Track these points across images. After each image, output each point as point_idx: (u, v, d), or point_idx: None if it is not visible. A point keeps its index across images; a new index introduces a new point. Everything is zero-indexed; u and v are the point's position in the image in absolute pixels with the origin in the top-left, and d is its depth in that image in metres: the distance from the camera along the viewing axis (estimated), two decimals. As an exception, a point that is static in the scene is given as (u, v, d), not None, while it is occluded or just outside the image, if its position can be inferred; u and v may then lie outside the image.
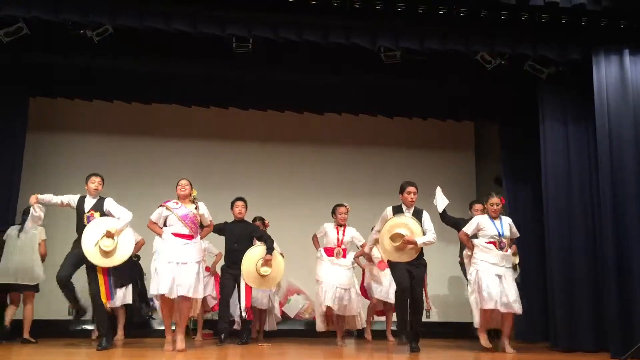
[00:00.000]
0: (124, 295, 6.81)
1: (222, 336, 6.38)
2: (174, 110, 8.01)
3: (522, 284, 7.10)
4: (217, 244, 7.06)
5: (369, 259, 6.89)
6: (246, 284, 6.32)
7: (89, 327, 7.18)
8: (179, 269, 5.61)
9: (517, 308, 5.94)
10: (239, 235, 6.46)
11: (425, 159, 8.92)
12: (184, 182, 5.98)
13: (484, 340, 6.05)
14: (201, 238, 6.01)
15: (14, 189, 6.70)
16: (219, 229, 6.50)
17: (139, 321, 7.18)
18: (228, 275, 6.47)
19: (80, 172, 7.75)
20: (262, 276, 6.28)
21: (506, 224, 6.12)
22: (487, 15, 6.01)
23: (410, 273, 5.80)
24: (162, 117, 8.30)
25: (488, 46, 6.37)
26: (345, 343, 6.54)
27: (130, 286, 6.85)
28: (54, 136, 8.20)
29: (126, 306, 6.92)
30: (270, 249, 6.33)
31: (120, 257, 5.76)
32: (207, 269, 7.13)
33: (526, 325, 7.17)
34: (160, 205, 5.92)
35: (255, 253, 6.36)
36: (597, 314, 6.12)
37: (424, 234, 5.86)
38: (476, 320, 6.07)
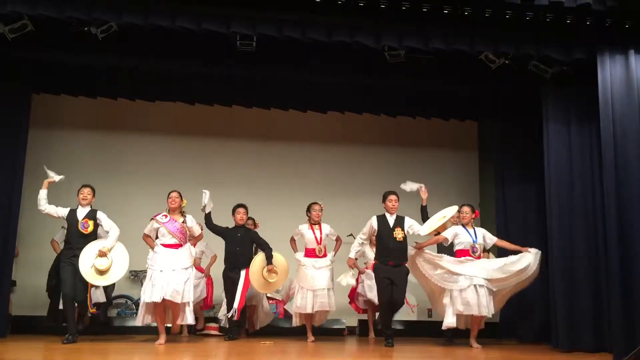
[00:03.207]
0: (99, 294, 6.81)
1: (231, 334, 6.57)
2: (177, 108, 8.02)
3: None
4: (216, 246, 7.15)
5: (354, 265, 7.07)
6: (243, 287, 6.49)
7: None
8: (169, 277, 6.05)
9: (488, 312, 6.35)
10: (241, 240, 6.64)
11: (428, 158, 8.93)
12: (174, 194, 6.36)
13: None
14: (192, 244, 6.43)
15: (17, 185, 6.70)
16: (220, 232, 6.67)
17: (103, 320, 7.22)
18: (230, 279, 6.58)
19: (83, 169, 7.84)
20: (267, 282, 6.55)
21: (480, 233, 6.65)
22: (491, 14, 6.00)
23: (392, 281, 6.25)
24: (166, 114, 8.32)
25: (492, 46, 6.36)
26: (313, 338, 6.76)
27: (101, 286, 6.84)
28: (57, 132, 8.22)
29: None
30: (269, 258, 6.54)
31: (115, 275, 6.17)
32: (201, 269, 7.19)
33: (527, 326, 7.17)
34: (151, 219, 6.31)
35: (259, 262, 6.56)
36: (598, 314, 6.12)
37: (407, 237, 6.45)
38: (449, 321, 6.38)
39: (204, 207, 6.47)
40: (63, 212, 6.23)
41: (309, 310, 6.63)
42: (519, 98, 7.59)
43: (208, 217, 6.56)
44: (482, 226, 8.02)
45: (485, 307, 6.30)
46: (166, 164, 8.37)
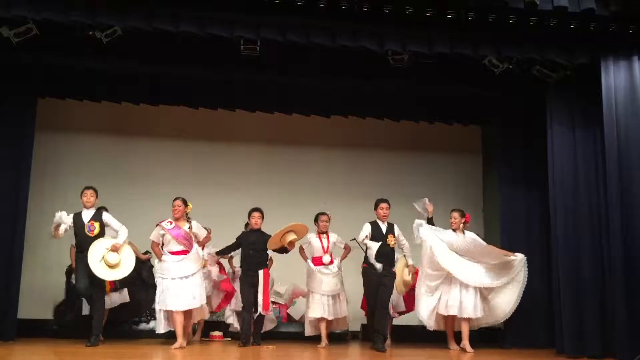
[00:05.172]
0: (121, 295, 6.79)
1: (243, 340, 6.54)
2: (181, 111, 8.02)
3: (527, 289, 7.09)
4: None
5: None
6: (264, 287, 6.55)
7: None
8: (181, 284, 6.17)
9: (472, 313, 6.47)
10: (255, 243, 6.67)
11: (431, 162, 8.92)
12: (177, 202, 6.40)
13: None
14: (201, 247, 6.49)
15: (24, 189, 6.73)
16: (236, 245, 6.75)
17: (127, 320, 7.21)
18: (246, 283, 6.60)
19: (88, 173, 7.85)
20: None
21: (468, 238, 6.72)
22: (495, 19, 6.01)
23: (379, 284, 6.41)
24: (169, 118, 8.32)
25: (496, 50, 6.37)
26: (328, 343, 6.77)
27: (125, 288, 6.84)
28: (62, 136, 8.23)
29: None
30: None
31: (124, 271, 6.22)
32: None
33: (532, 331, 7.13)
34: (157, 225, 6.36)
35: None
36: (604, 319, 6.09)
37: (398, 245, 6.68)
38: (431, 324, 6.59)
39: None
40: (68, 220, 6.23)
41: (323, 314, 6.69)
42: (522, 102, 7.59)
43: (219, 252, 6.74)
44: (485, 230, 8.05)
45: (472, 309, 6.42)
46: (170, 168, 8.37)
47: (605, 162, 6.17)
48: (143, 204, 7.89)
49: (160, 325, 6.27)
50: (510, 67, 6.68)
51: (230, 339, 7.18)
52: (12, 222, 6.52)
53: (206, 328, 7.24)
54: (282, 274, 7.55)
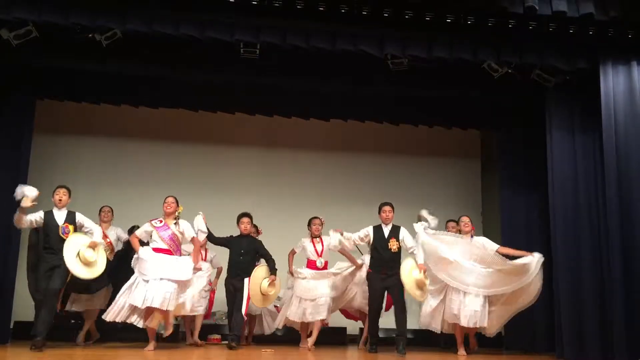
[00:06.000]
0: (96, 299, 6.61)
1: (234, 343, 6.44)
2: (181, 114, 8.03)
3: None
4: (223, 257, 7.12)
5: (354, 261, 7.04)
6: (248, 294, 6.46)
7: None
8: (154, 284, 5.88)
9: (479, 322, 6.25)
10: (245, 249, 6.62)
11: (431, 166, 8.93)
12: (170, 199, 6.31)
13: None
14: (194, 262, 6.23)
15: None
16: (224, 243, 6.68)
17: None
18: (231, 287, 6.57)
19: (86, 175, 7.86)
20: (265, 295, 6.52)
21: (478, 243, 6.54)
22: (494, 24, 6.03)
23: (386, 287, 6.37)
24: (169, 121, 8.34)
25: (495, 55, 6.38)
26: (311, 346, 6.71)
27: (103, 289, 6.61)
28: (61, 138, 8.24)
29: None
30: (274, 270, 6.56)
31: (99, 269, 6.02)
32: (209, 282, 7.15)
33: (533, 336, 7.14)
34: (147, 222, 6.24)
35: (259, 274, 6.53)
36: (603, 323, 6.08)
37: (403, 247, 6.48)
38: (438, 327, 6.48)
39: (198, 231, 6.43)
40: (37, 217, 5.95)
41: (303, 319, 6.69)
42: (522, 106, 7.60)
43: (209, 235, 6.60)
44: (484, 233, 8.05)
45: (479, 317, 6.24)
46: (169, 171, 8.38)
47: (604, 165, 6.18)
48: (141, 206, 7.87)
49: (114, 313, 5.90)
50: (510, 71, 6.69)
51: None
52: (8, 223, 6.47)
53: (205, 331, 7.21)
54: (280, 276, 7.52)
